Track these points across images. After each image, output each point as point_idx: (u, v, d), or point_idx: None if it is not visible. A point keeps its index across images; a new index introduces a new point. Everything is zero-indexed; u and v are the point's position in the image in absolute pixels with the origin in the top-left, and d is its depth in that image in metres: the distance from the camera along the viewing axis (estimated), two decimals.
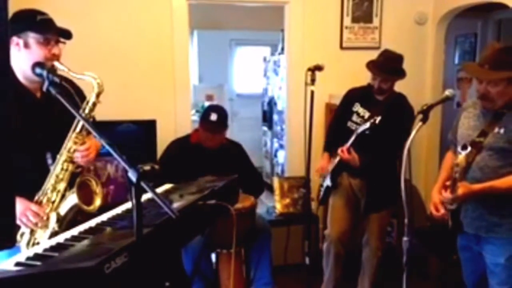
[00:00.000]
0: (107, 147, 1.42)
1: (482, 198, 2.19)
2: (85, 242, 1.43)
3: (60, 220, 1.95)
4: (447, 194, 2.14)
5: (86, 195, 1.98)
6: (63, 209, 1.96)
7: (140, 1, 3.76)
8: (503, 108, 2.18)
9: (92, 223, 1.65)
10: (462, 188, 2.08)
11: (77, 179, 1.98)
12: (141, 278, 1.37)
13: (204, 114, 3.27)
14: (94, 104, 2.00)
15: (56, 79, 1.78)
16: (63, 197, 1.97)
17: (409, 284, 2.16)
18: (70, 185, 1.98)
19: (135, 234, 1.31)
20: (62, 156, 1.96)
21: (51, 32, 1.94)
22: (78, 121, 1.94)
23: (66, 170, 1.97)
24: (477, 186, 2.11)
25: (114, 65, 3.68)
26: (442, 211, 2.25)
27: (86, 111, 1.99)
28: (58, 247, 1.41)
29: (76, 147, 1.96)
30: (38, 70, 1.84)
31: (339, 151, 3.01)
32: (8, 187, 0.98)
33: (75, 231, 1.58)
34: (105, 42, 3.66)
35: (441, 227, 2.32)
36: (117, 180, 3.44)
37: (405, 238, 2.12)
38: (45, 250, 1.40)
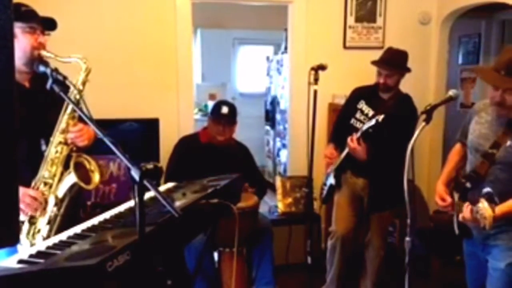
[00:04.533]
0: (110, 145, 1.42)
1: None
2: (88, 240, 1.43)
3: (58, 203, 1.96)
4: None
5: (83, 175, 1.98)
6: (61, 191, 1.97)
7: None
8: None
9: (94, 221, 1.65)
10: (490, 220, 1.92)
11: (71, 160, 1.97)
12: (144, 277, 1.37)
13: (214, 108, 3.29)
14: (84, 83, 2.02)
15: (60, 77, 1.80)
16: (59, 181, 1.97)
17: (411, 284, 2.15)
18: (65, 168, 1.98)
19: (137, 233, 1.31)
20: (56, 138, 1.97)
21: (35, 20, 1.98)
22: (68, 104, 1.93)
23: (61, 153, 1.97)
24: (498, 212, 1.94)
25: (117, 64, 3.68)
26: (449, 200, 2.21)
27: (77, 89, 1.98)
28: (60, 245, 1.41)
29: (69, 128, 1.97)
30: (41, 68, 1.86)
31: (348, 140, 2.98)
32: (12, 181, 0.97)
33: (77, 229, 1.58)
34: (108, 40, 3.66)
35: (445, 228, 2.30)
36: (120, 178, 3.45)
37: (407, 238, 2.11)
38: (48, 247, 1.40)
